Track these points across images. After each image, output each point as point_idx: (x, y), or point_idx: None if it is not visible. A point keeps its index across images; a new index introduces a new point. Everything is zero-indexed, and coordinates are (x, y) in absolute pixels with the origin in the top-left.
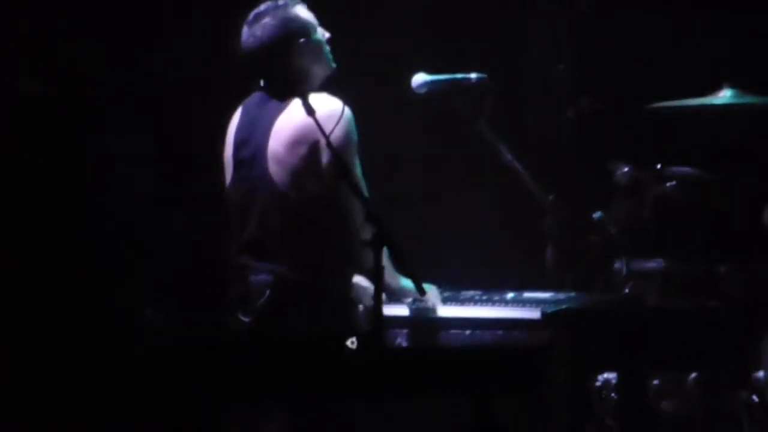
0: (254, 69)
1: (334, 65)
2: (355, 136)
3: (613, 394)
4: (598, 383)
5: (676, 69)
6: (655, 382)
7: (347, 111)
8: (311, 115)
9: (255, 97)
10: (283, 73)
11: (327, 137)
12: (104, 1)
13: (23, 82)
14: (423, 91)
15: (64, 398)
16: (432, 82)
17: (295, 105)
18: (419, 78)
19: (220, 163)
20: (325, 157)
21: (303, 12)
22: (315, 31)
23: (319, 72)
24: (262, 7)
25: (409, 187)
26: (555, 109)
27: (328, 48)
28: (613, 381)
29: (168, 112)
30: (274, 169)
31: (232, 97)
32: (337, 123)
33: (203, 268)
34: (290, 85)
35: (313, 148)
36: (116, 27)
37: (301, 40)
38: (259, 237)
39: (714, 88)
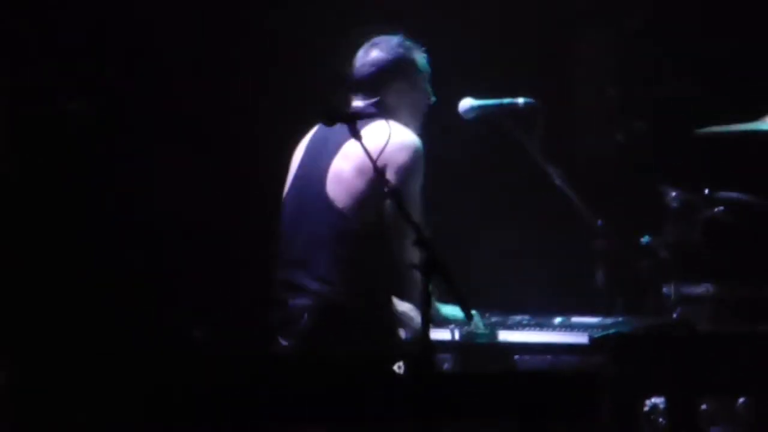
0: (360, 89)
1: (420, 120)
2: (421, 170)
3: (661, 419)
4: (646, 408)
5: (726, 92)
6: (704, 406)
7: (419, 144)
8: (378, 141)
9: None
10: (386, 97)
11: (393, 166)
12: (145, 22)
13: (69, 101)
14: (471, 116)
15: (114, 416)
16: (480, 107)
17: (368, 130)
18: (467, 103)
19: (268, 181)
20: (388, 184)
21: (420, 59)
22: (423, 79)
23: (411, 117)
24: (381, 36)
25: (458, 210)
26: (604, 132)
27: (427, 102)
28: (662, 405)
29: (216, 129)
30: (333, 188)
31: (283, 113)
32: (407, 154)
33: (250, 289)
34: (386, 111)
35: (380, 173)
36: (159, 48)
37: (410, 78)
38: (306, 255)
39: (763, 113)
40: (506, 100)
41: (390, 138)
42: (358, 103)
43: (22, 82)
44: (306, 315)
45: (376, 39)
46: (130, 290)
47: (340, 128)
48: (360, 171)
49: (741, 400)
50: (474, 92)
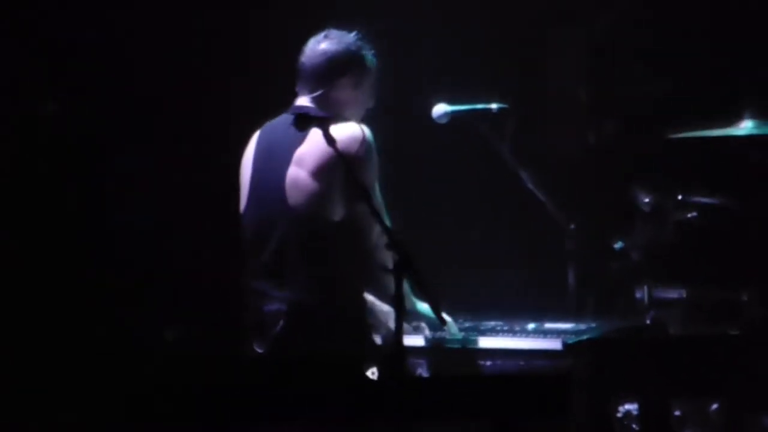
0: (307, 79)
1: (358, 120)
2: (375, 159)
3: (634, 425)
4: (619, 414)
5: (698, 95)
6: (677, 412)
7: (368, 134)
8: (332, 143)
9: (274, 123)
10: (331, 91)
11: (348, 164)
12: (121, 21)
13: (40, 103)
14: (444, 121)
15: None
16: (453, 112)
17: (317, 132)
18: (440, 108)
19: (237, 186)
20: (346, 181)
21: (370, 58)
22: (370, 79)
23: (356, 112)
24: (335, 30)
25: (429, 213)
26: (576, 135)
27: (368, 104)
28: (635, 411)
29: (185, 132)
30: (293, 194)
31: (250, 120)
32: (359, 146)
33: (222, 291)
34: (329, 106)
35: (336, 175)
36: (132, 46)
37: (357, 76)
38: (276, 262)
39: (736, 118)
40: (479, 106)
41: (342, 138)
42: (303, 97)
43: None
44: (282, 321)
45: (329, 31)
46: (102, 292)
47: (284, 135)
48: (316, 173)
49: (714, 405)
50: (445, 95)
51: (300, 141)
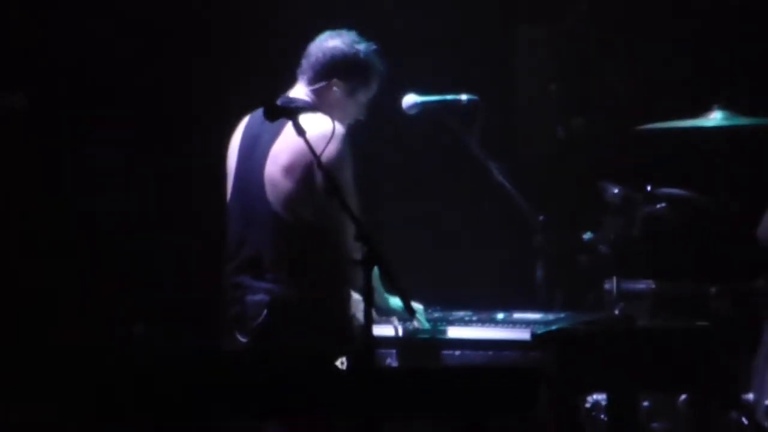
0: (307, 69)
1: (350, 121)
2: (347, 154)
3: (603, 416)
4: (588, 404)
5: (667, 89)
6: (645, 403)
7: (339, 129)
8: (302, 135)
9: (261, 112)
10: (324, 88)
11: (318, 157)
12: (90, 9)
13: (7, 95)
14: (413, 112)
15: (61, 404)
16: (423, 104)
17: (291, 127)
18: (410, 99)
19: (219, 177)
20: (318, 177)
21: (374, 74)
22: (364, 93)
23: (343, 117)
24: (352, 33)
25: (397, 206)
26: (545, 129)
27: (362, 109)
28: (603, 402)
29: (165, 124)
30: (271, 191)
31: (233, 111)
32: (329, 142)
33: (199, 284)
34: (320, 101)
35: (308, 170)
36: (105, 34)
37: (353, 84)
38: (256, 256)
39: (704, 110)
40: (449, 97)
41: (313, 131)
42: (299, 84)
43: None
44: (265, 312)
45: (349, 32)
46: (74, 285)
47: (267, 127)
48: (287, 172)
49: (682, 397)
50: (415, 89)
51: (277, 135)
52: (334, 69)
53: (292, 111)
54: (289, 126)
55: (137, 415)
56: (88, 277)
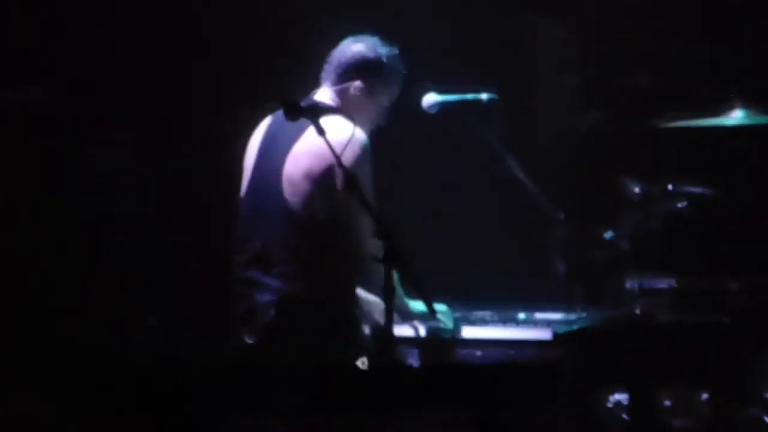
0: (330, 71)
1: (369, 129)
2: (367, 156)
3: (624, 415)
4: (609, 403)
5: (688, 86)
6: (666, 402)
7: (360, 131)
8: (322, 135)
9: (283, 112)
10: (346, 90)
11: (339, 158)
12: (103, 10)
13: (23, 92)
14: (434, 110)
15: (64, 402)
16: (443, 102)
17: (313, 129)
18: (430, 98)
19: (231, 174)
20: (338, 179)
21: (396, 78)
22: (387, 96)
23: (364, 120)
24: (375, 37)
25: (419, 203)
26: (565, 124)
27: (384, 113)
28: (624, 402)
29: (175, 121)
30: (288, 189)
31: (242, 110)
32: (349, 144)
33: (210, 279)
34: (343, 103)
35: (328, 172)
36: (115, 35)
37: (376, 87)
38: (268, 252)
39: (725, 107)
40: (470, 96)
41: (335, 132)
42: (323, 90)
43: None
44: (273, 311)
45: (373, 36)
46: (87, 281)
47: (289, 126)
48: (307, 173)
49: (703, 395)
50: (434, 84)
51: (299, 136)
52: (356, 70)
53: (313, 111)
54: (311, 128)
55: (138, 415)
56: (97, 275)
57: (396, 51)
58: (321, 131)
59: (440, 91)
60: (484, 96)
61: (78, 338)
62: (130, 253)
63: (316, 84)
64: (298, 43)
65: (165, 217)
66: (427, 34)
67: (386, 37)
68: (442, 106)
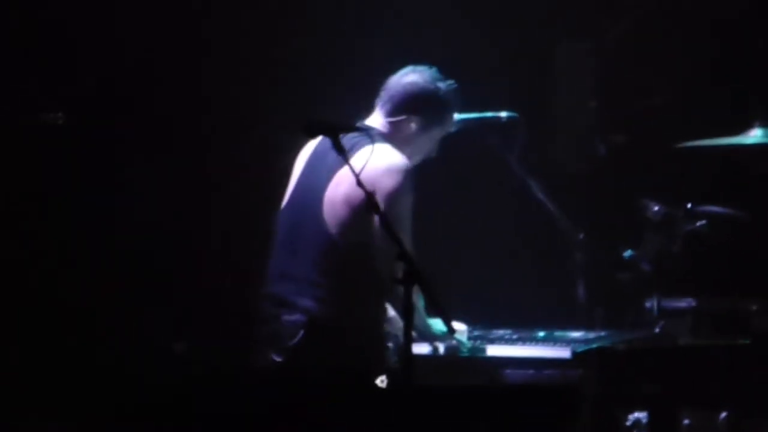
0: (385, 100)
1: (419, 160)
2: (408, 188)
3: None
4: (629, 422)
5: (707, 106)
6: (686, 421)
7: (404, 162)
8: (342, 155)
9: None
10: (400, 122)
11: (358, 178)
12: (122, 32)
13: (45, 114)
14: (453, 129)
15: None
16: (462, 120)
17: (361, 156)
18: None
19: (260, 196)
20: (378, 211)
21: (449, 113)
22: (444, 125)
23: (416, 152)
24: (433, 69)
25: (439, 222)
26: (585, 146)
27: (435, 145)
28: (644, 420)
29: (200, 141)
30: (327, 211)
31: (264, 131)
32: (395, 177)
33: (236, 303)
34: (394, 133)
35: (367, 200)
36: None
37: (432, 120)
38: (298, 273)
39: (745, 127)
40: (489, 114)
41: (376, 162)
42: (376, 116)
43: None
44: (302, 332)
45: (431, 68)
46: (111, 302)
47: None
48: (347, 201)
49: (722, 414)
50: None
51: (342, 163)
52: (413, 104)
53: (332, 129)
54: (359, 154)
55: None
56: (125, 296)
57: (453, 84)
58: (341, 150)
59: (460, 110)
60: (503, 114)
61: (110, 366)
62: (153, 273)
63: (367, 109)
64: (330, 63)
65: (187, 235)
66: (447, 55)
67: (402, 52)
68: (462, 125)
